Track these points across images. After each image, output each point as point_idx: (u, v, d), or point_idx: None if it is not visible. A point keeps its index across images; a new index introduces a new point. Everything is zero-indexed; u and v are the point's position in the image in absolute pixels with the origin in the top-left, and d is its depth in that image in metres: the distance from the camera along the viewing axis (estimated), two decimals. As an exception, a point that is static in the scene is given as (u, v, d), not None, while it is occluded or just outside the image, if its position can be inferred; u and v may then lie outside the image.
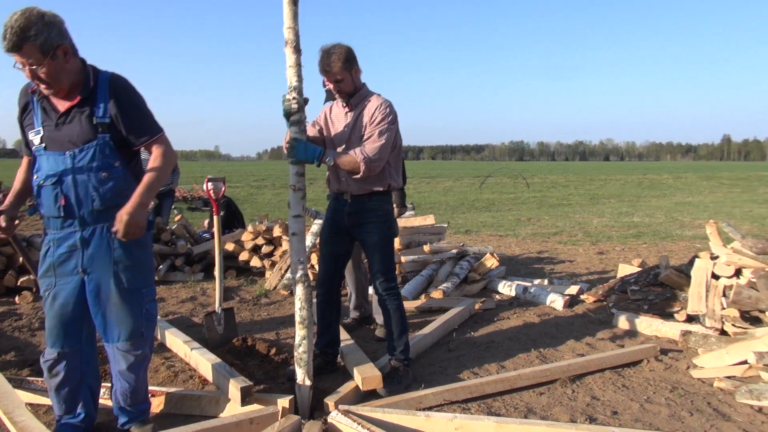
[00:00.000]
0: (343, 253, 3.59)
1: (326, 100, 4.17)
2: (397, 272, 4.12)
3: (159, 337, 4.13)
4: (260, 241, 6.57)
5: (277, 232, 6.52)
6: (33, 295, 5.34)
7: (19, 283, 5.50)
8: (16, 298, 5.29)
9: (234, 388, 2.90)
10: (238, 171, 49.06)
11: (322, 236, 3.63)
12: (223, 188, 4.15)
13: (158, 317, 4.33)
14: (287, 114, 3.07)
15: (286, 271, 5.92)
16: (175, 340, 3.89)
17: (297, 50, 2.99)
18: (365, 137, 3.28)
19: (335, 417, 2.78)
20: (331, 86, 3.64)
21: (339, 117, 3.46)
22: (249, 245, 6.57)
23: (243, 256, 6.58)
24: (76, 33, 2.51)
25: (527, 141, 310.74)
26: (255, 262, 6.52)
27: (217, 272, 4.08)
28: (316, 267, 5.11)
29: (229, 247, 6.60)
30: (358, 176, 3.26)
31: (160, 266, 6.26)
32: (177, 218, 6.97)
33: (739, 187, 27.39)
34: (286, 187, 26.17)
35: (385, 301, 3.45)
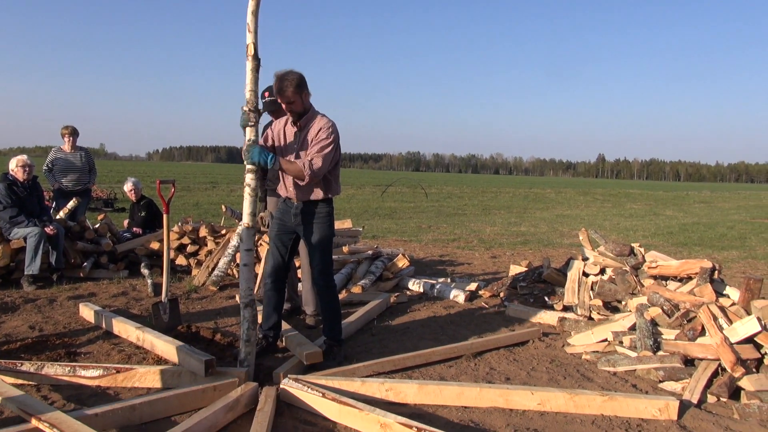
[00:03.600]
0: (289, 248, 4.12)
1: (264, 110, 4.71)
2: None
3: (104, 325, 4.43)
4: (186, 240, 6.87)
5: (203, 232, 6.86)
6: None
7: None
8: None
9: (197, 362, 3.35)
10: (131, 172, 46.74)
11: (270, 233, 4.14)
12: (173, 189, 4.53)
13: (99, 308, 4.65)
14: (244, 127, 3.60)
15: (213, 269, 6.29)
16: (124, 327, 4.23)
17: (255, 110, 3.56)
18: (309, 150, 3.84)
19: (287, 383, 3.32)
20: (276, 100, 4.23)
21: (289, 133, 3.97)
22: (174, 244, 6.85)
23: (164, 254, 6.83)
24: None
25: (423, 152, 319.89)
26: (180, 260, 6.81)
27: (165, 265, 4.45)
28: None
29: (154, 246, 6.84)
30: (302, 183, 3.82)
31: (85, 263, 6.39)
32: (100, 217, 7.08)
33: (610, 203, 30.43)
34: (189, 189, 25.63)
35: (323, 291, 4.03)
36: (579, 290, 5.42)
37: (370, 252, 6.78)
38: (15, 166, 6.11)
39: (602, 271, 5.59)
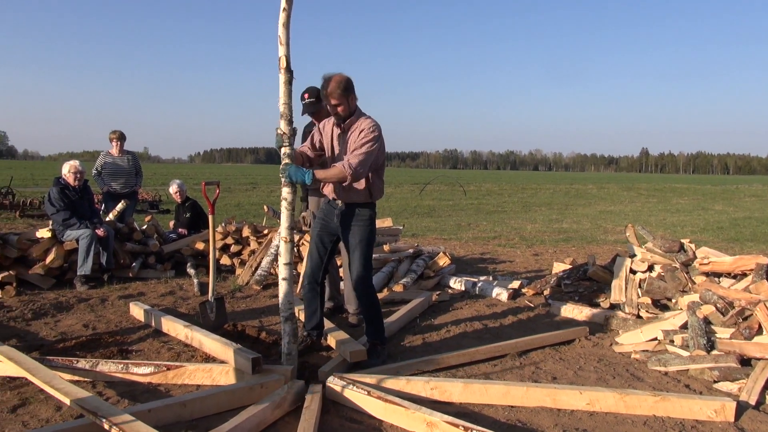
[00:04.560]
0: (329, 249, 4.12)
1: (303, 112, 4.74)
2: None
3: (154, 323, 4.55)
4: (229, 240, 7.00)
5: (245, 232, 6.97)
6: (15, 290, 5.57)
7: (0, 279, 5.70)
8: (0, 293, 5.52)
9: (245, 360, 3.41)
10: (174, 174, 47.96)
11: (312, 233, 4.16)
12: (218, 190, 4.62)
13: (149, 307, 4.77)
14: (279, 147, 3.61)
15: (256, 268, 6.39)
16: (173, 325, 4.34)
17: (289, 122, 3.55)
18: (350, 150, 3.84)
19: (332, 381, 3.34)
20: (315, 102, 4.26)
21: (335, 135, 3.96)
22: (219, 244, 6.98)
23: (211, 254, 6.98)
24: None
25: (461, 150, 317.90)
26: (225, 260, 6.95)
27: (211, 265, 4.55)
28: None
29: (199, 246, 6.99)
30: (345, 183, 3.83)
31: (133, 264, 6.58)
32: (147, 219, 7.28)
33: (655, 198, 29.64)
34: (230, 190, 26.14)
35: (362, 295, 4.03)
36: (626, 288, 5.29)
37: (410, 250, 6.77)
38: (67, 172, 6.33)
39: (650, 268, 5.45)
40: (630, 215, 17.91)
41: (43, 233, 6.23)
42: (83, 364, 3.58)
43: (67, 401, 2.87)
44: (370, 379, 3.42)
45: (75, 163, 6.44)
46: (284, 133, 3.56)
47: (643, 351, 4.28)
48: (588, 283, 5.87)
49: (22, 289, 5.72)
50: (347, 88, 3.76)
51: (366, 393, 3.17)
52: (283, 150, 3.59)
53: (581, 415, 3.22)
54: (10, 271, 5.78)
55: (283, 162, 3.62)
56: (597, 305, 5.39)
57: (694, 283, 4.88)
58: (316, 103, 4.63)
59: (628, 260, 5.64)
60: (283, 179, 3.59)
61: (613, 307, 5.28)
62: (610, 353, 4.34)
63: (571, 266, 6.38)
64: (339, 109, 3.79)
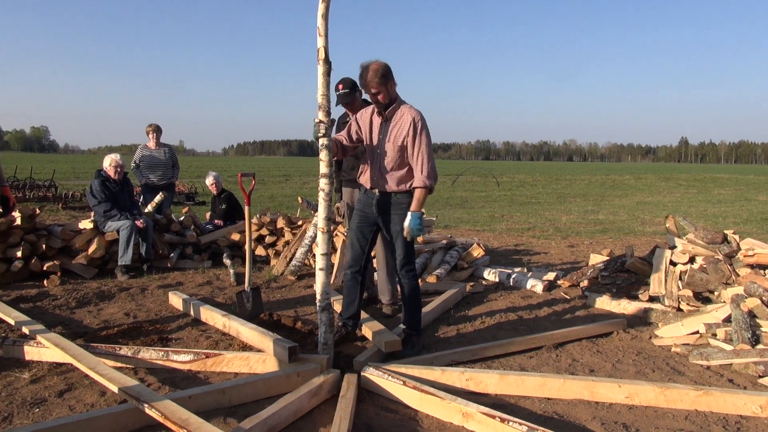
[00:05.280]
0: (369, 239, 4.11)
1: (338, 103, 4.71)
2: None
3: (192, 312, 4.65)
4: (264, 231, 7.08)
5: (280, 223, 7.05)
6: (59, 279, 5.76)
7: (45, 268, 5.89)
8: (45, 282, 5.70)
9: (282, 349, 3.45)
10: (209, 166, 48.68)
11: (352, 224, 4.17)
12: (253, 182, 4.68)
13: (187, 297, 4.87)
14: (316, 138, 3.59)
15: (291, 259, 6.46)
16: (211, 314, 4.42)
17: (328, 113, 3.53)
18: (414, 157, 3.81)
19: (368, 371, 3.36)
20: (350, 93, 4.25)
21: (375, 124, 3.94)
22: (254, 236, 7.08)
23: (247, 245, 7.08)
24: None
25: (493, 141, 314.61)
26: (259, 251, 7.04)
27: (247, 256, 4.61)
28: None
29: (235, 237, 7.10)
30: (388, 173, 3.88)
31: (171, 254, 6.72)
32: (184, 210, 7.42)
33: (695, 188, 28.84)
34: (264, 182, 26.44)
35: (405, 282, 4.02)
36: (666, 280, 5.17)
37: (444, 241, 6.75)
38: (108, 165, 6.49)
39: (692, 260, 5.30)
40: (669, 206, 17.48)
41: (85, 224, 6.41)
42: (125, 351, 3.68)
43: (112, 387, 2.96)
44: (406, 369, 3.43)
45: (115, 157, 6.60)
46: (321, 121, 3.55)
47: (684, 344, 4.18)
48: (626, 275, 5.75)
49: (66, 279, 5.91)
50: (385, 75, 3.72)
51: (401, 383, 3.18)
52: (321, 141, 3.59)
53: (620, 408, 3.17)
54: (55, 261, 5.98)
55: (410, 220, 3.77)
56: (635, 298, 5.28)
57: (738, 275, 4.73)
58: (351, 94, 4.62)
59: (668, 252, 5.51)
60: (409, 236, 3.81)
61: (652, 299, 5.17)
62: (650, 346, 4.25)
63: (608, 258, 6.25)
64: (379, 97, 3.76)
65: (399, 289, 4.20)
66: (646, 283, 5.38)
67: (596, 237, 10.11)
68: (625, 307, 5.09)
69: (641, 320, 4.83)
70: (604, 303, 5.24)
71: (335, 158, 4.31)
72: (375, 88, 3.72)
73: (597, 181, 34.42)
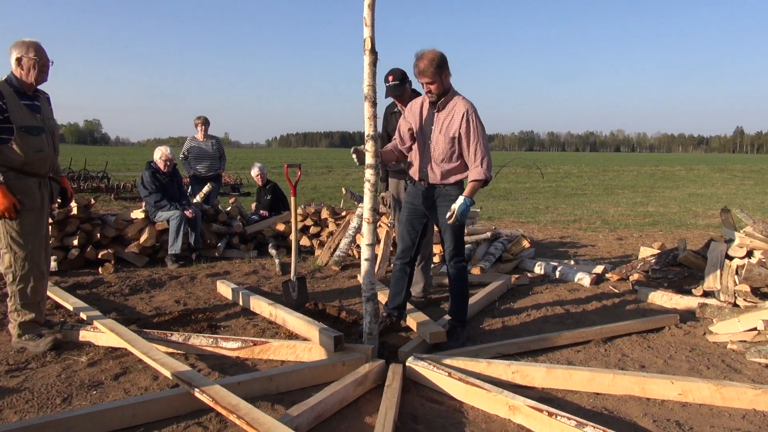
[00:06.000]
0: (419, 231, 4.08)
1: (387, 95, 4.65)
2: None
3: (241, 302, 4.74)
4: (309, 222, 7.16)
5: (324, 214, 7.11)
6: (113, 267, 5.96)
7: (99, 256, 6.11)
8: (100, 269, 5.91)
9: (327, 338, 3.48)
10: (254, 158, 49.51)
11: (401, 217, 4.14)
12: (299, 173, 4.72)
13: (235, 285, 4.96)
14: (361, 162, 3.66)
15: (335, 249, 6.51)
16: (258, 303, 4.50)
17: (374, 104, 3.51)
18: (471, 149, 3.75)
19: (413, 362, 3.36)
20: (400, 85, 4.23)
21: (426, 114, 3.89)
22: (299, 226, 7.15)
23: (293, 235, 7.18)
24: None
25: (537, 131, 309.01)
26: (304, 241, 7.12)
27: (293, 246, 4.67)
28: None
29: (280, 227, 7.20)
30: (438, 164, 3.85)
31: (219, 244, 6.88)
32: (231, 201, 7.57)
33: (752, 180, 27.66)
34: (307, 173, 26.73)
35: (454, 273, 3.99)
36: (722, 274, 4.97)
37: (488, 233, 6.67)
38: (158, 158, 6.66)
39: (749, 254, 5.08)
40: (723, 198, 16.82)
41: (137, 214, 6.61)
42: (177, 337, 3.79)
43: (165, 372, 3.05)
44: (451, 360, 3.41)
45: (166, 150, 6.76)
46: (355, 150, 3.68)
47: (741, 341, 4.02)
48: (678, 269, 5.57)
49: (119, 266, 6.12)
50: (440, 65, 3.65)
51: (447, 374, 3.17)
52: (367, 163, 3.60)
53: (672, 405, 3.08)
54: (109, 249, 6.20)
55: (455, 212, 3.63)
56: (688, 292, 5.10)
57: (800, 270, 4.51)
58: (401, 86, 4.57)
59: (724, 245, 5.30)
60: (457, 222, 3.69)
61: (707, 294, 4.98)
62: (704, 343, 4.11)
63: (659, 251, 6.07)
64: (433, 87, 3.70)
65: (442, 280, 4.16)
66: (699, 277, 5.20)
67: (646, 230, 9.82)
68: (678, 301, 4.93)
69: (694, 316, 4.67)
70: (655, 297, 5.09)
71: (394, 163, 4.32)
72: (429, 78, 3.66)
73: (646, 173, 33.42)
